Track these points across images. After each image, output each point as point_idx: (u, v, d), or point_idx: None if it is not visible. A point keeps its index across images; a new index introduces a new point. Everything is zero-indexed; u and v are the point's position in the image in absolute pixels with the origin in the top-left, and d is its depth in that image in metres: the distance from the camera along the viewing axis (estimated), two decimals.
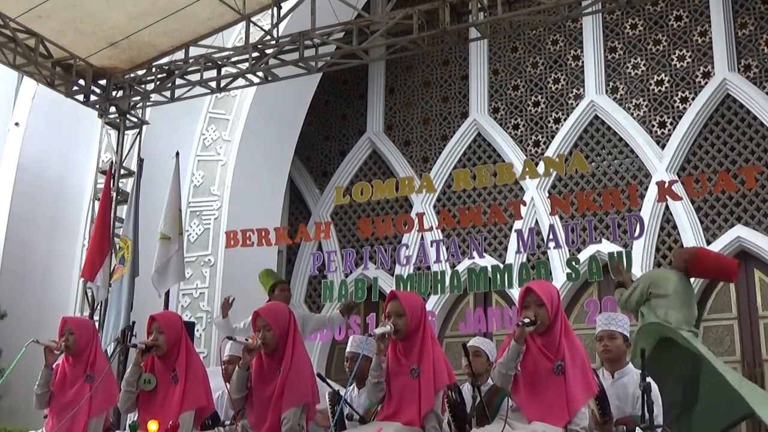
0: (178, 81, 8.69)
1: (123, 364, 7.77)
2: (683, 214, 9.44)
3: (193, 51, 8.61)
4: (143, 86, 8.92)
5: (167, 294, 8.41)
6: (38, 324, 8.79)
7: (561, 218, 9.47)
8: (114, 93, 8.96)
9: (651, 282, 6.45)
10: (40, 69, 8.41)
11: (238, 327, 7.24)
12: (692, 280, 6.78)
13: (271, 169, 10.83)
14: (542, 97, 10.80)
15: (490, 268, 7.83)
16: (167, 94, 8.81)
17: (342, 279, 9.30)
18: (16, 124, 10.07)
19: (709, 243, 9.32)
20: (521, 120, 10.83)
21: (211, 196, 10.36)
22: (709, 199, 9.47)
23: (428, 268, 9.20)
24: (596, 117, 10.37)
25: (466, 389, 4.89)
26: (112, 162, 8.95)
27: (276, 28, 8.23)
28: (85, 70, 8.69)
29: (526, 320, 3.92)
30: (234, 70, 8.44)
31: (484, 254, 9.08)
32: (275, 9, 8.26)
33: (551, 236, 7.69)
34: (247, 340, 4.71)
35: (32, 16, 7.91)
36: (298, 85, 9.92)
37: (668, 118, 10.01)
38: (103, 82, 8.91)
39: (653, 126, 10.06)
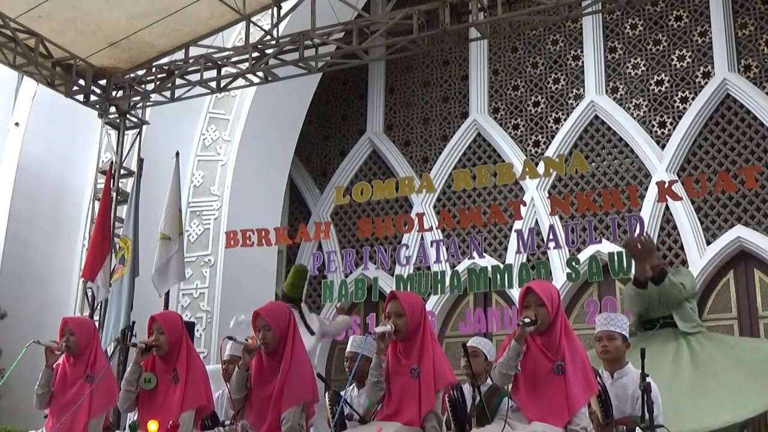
0: (178, 81, 8.69)
1: (123, 364, 7.78)
2: (683, 214, 9.44)
3: (193, 51, 8.61)
4: (143, 86, 8.92)
5: (167, 294, 8.41)
6: (38, 324, 8.80)
7: (561, 218, 9.47)
8: (114, 93, 8.96)
9: (696, 284, 6.37)
10: (40, 69, 8.41)
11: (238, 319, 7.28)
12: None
13: (271, 169, 10.83)
14: (542, 97, 10.81)
15: (490, 268, 7.82)
16: (167, 94, 8.81)
17: (342, 279, 9.30)
18: (16, 124, 10.07)
19: (709, 243, 9.34)
20: (521, 120, 10.83)
21: (211, 196, 10.36)
22: (709, 199, 9.47)
23: (428, 268, 9.20)
24: (596, 117, 10.37)
25: (466, 389, 4.90)
26: (112, 162, 8.95)
27: (276, 28, 8.23)
28: (85, 70, 8.69)
29: (527, 320, 3.92)
30: (234, 70, 8.44)
31: (484, 254, 9.08)
32: (275, 9, 8.26)
33: (551, 236, 7.69)
34: (247, 340, 4.71)
35: (32, 16, 7.91)
36: (298, 85, 9.92)
37: (668, 118, 10.01)
38: (103, 82, 8.91)
39: (653, 126, 10.06)
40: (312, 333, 7.26)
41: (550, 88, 10.79)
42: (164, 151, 9.39)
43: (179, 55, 8.68)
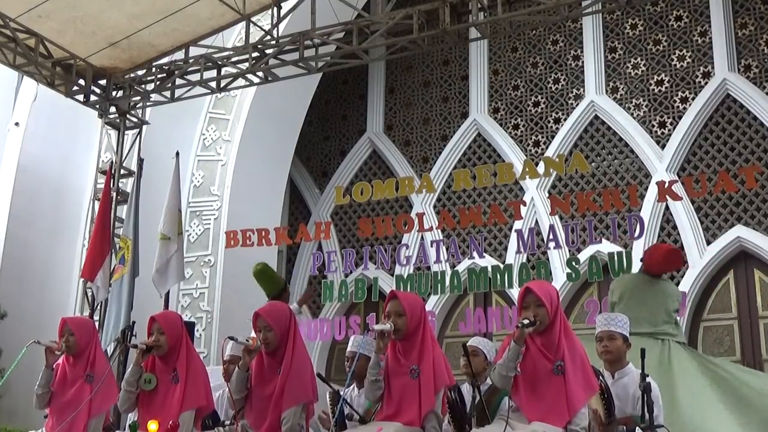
0: (178, 81, 8.69)
1: (123, 365, 7.77)
2: (683, 214, 9.44)
3: (193, 51, 8.61)
4: (143, 86, 8.92)
5: (167, 294, 8.41)
6: (38, 324, 8.80)
7: (561, 218, 9.47)
8: (114, 93, 8.96)
9: (610, 292, 6.47)
10: (40, 69, 8.41)
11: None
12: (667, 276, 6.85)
13: (271, 169, 10.83)
14: (542, 97, 10.81)
15: (490, 268, 7.81)
16: (167, 94, 8.81)
17: (342, 279, 9.30)
18: (16, 124, 10.08)
19: (709, 243, 9.34)
20: (521, 120, 10.83)
21: (211, 196, 10.36)
22: (709, 199, 9.47)
23: (428, 268, 9.20)
24: (596, 117, 10.37)
25: (465, 389, 4.89)
26: (112, 162, 8.95)
27: (276, 28, 8.23)
28: (85, 70, 8.69)
29: (526, 321, 3.91)
30: (234, 70, 8.44)
31: (484, 254, 9.08)
32: (275, 9, 8.26)
33: (551, 236, 7.68)
34: (247, 340, 4.71)
35: (32, 16, 7.91)
36: (298, 85, 9.92)
37: (668, 118, 10.01)
38: (103, 82, 8.91)
39: (653, 126, 10.06)
40: None
41: (550, 88, 10.79)
42: (164, 151, 9.39)
43: (179, 55, 8.68)
